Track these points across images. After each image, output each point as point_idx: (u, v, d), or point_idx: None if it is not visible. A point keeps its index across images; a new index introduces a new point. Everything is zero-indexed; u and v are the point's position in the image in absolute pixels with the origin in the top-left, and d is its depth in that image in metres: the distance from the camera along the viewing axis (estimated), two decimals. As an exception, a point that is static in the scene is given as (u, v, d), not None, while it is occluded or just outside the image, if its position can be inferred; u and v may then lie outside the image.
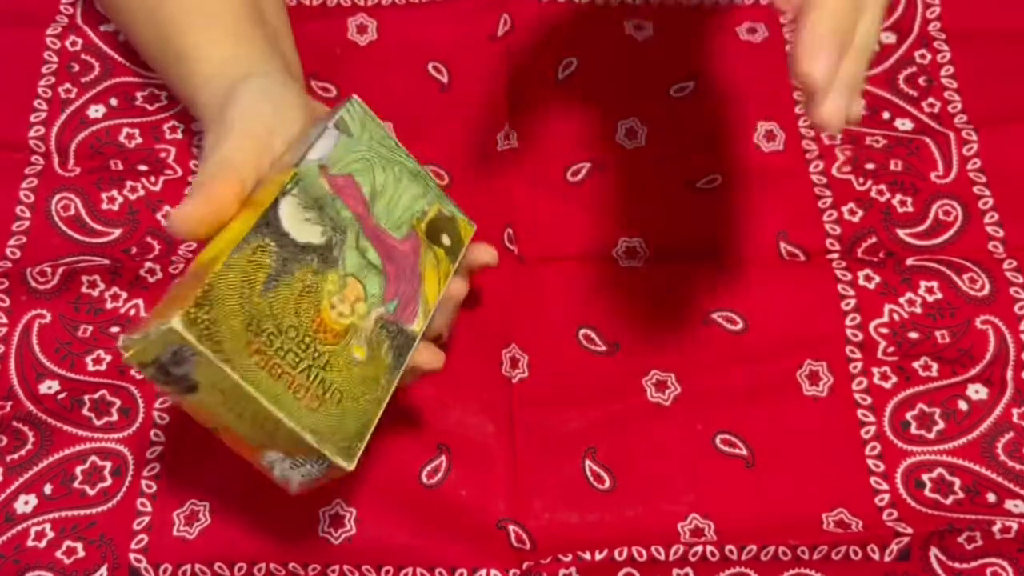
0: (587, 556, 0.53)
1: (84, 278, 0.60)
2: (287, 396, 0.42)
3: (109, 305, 0.60)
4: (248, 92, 0.50)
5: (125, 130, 0.65)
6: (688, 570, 0.53)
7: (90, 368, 0.58)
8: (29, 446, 0.56)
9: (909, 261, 0.61)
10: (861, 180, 0.63)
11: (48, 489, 0.55)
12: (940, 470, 0.55)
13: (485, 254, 0.54)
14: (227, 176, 0.46)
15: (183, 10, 0.56)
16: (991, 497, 0.54)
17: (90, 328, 0.59)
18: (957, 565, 0.53)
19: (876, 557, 0.53)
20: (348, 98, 0.50)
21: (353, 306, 0.46)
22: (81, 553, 0.53)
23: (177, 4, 0.56)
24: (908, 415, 0.57)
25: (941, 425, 0.56)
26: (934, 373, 0.58)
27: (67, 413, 0.57)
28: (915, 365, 0.58)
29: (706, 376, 0.58)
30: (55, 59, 0.67)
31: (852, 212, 0.62)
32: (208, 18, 0.56)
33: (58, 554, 0.53)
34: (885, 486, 0.55)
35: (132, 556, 0.53)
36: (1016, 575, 0.52)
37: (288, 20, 0.64)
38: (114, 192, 0.63)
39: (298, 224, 0.45)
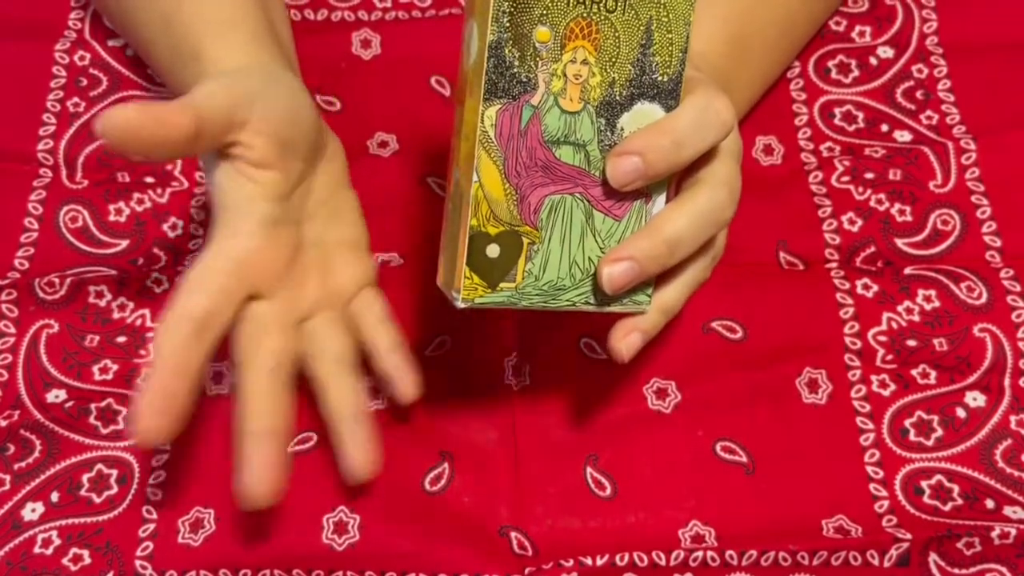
0: (588, 561, 0.53)
1: (91, 288, 0.61)
2: None
3: (116, 315, 0.60)
4: (256, 69, 0.51)
5: (132, 143, 0.66)
6: (689, 575, 0.53)
7: (97, 377, 0.59)
8: (36, 454, 0.56)
9: (907, 270, 0.61)
10: (860, 189, 0.64)
11: (55, 497, 0.55)
12: (939, 477, 0.56)
13: None
14: (184, 107, 0.45)
15: (201, 16, 0.56)
16: (990, 503, 0.55)
17: (97, 338, 0.60)
18: (956, 571, 0.53)
19: (876, 563, 0.53)
20: None
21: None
22: (87, 560, 0.54)
23: (194, 10, 0.57)
24: (907, 422, 0.57)
25: (940, 432, 0.57)
26: (932, 381, 0.58)
27: (74, 422, 0.57)
28: (913, 373, 0.58)
29: (706, 384, 0.58)
30: (64, 73, 0.68)
31: (851, 222, 0.63)
32: (226, 24, 0.56)
33: (65, 561, 0.54)
34: (884, 492, 0.55)
35: (138, 563, 0.54)
36: (1015, 580, 0.53)
37: (292, 34, 0.65)
38: (121, 204, 0.64)
39: None
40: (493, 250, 0.46)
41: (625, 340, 0.48)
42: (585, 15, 0.45)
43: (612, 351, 0.48)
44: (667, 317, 0.49)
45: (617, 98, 0.47)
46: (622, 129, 0.47)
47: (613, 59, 0.46)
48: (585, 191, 0.47)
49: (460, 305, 0.47)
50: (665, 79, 0.47)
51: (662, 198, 0.48)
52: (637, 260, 0.45)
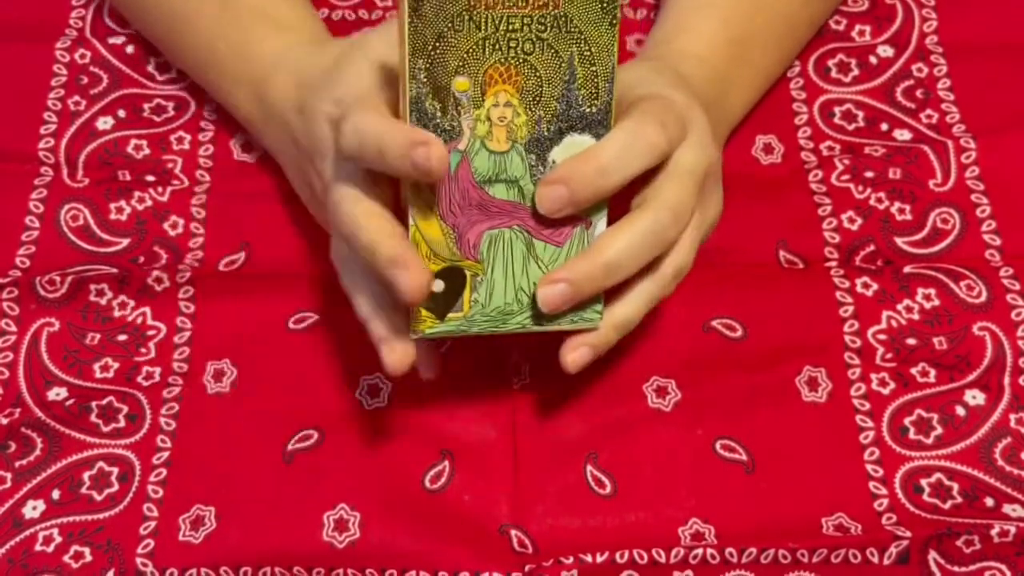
0: (588, 559, 0.53)
1: (92, 287, 0.61)
2: None
3: (116, 313, 0.60)
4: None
5: (133, 141, 0.66)
6: (688, 572, 0.53)
7: (97, 375, 0.59)
8: (37, 452, 0.56)
9: (907, 269, 0.61)
10: (860, 188, 0.64)
11: (56, 495, 0.56)
12: (938, 475, 0.56)
13: None
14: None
15: None
16: (989, 501, 0.55)
17: (98, 336, 0.60)
18: (956, 569, 0.53)
19: (875, 560, 0.53)
20: None
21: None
22: (88, 558, 0.54)
23: None
24: (906, 420, 0.57)
25: (939, 430, 0.57)
26: (932, 379, 0.58)
27: (75, 419, 0.57)
28: (913, 371, 0.58)
29: (706, 382, 0.58)
30: (64, 72, 0.68)
31: (851, 220, 0.63)
32: None
33: (66, 559, 0.54)
34: (884, 491, 0.55)
35: (139, 560, 0.54)
36: (1014, 578, 0.53)
37: None
38: (122, 202, 0.64)
39: None
40: (437, 285, 0.49)
41: (573, 354, 0.50)
42: (503, 61, 0.47)
43: (561, 363, 0.50)
44: (621, 332, 0.51)
45: (545, 134, 0.48)
46: (553, 162, 0.48)
47: (537, 98, 0.47)
48: (523, 223, 0.49)
49: (412, 336, 0.49)
50: (594, 110, 0.48)
51: (603, 221, 0.49)
52: (572, 282, 0.48)
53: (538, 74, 0.47)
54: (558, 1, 0.46)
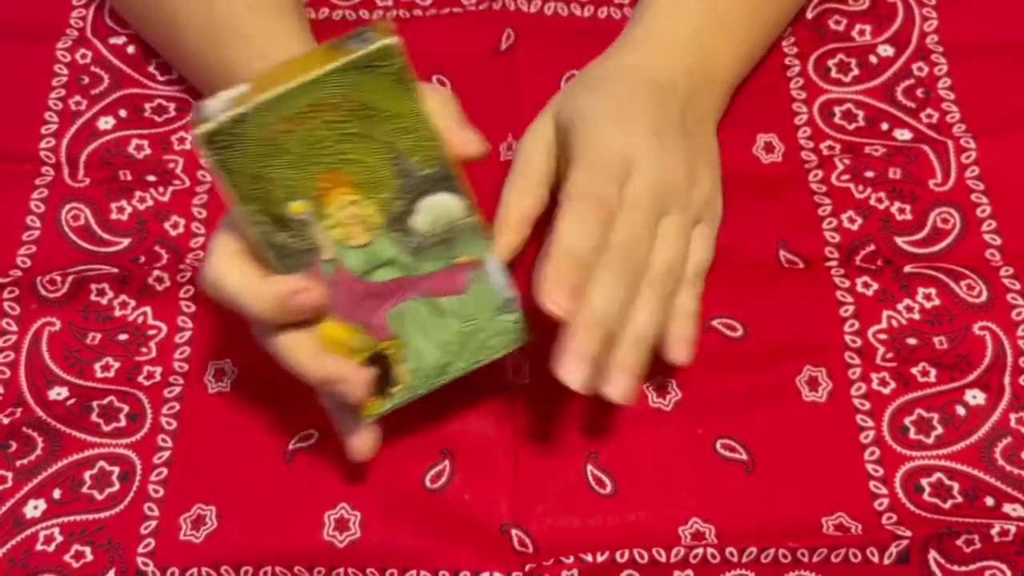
0: (589, 558, 0.53)
1: (93, 286, 0.61)
2: None
3: (117, 313, 0.60)
4: None
5: (134, 141, 0.66)
6: (689, 572, 0.53)
7: (98, 375, 0.59)
8: (38, 451, 0.57)
9: (907, 268, 0.61)
10: (860, 188, 0.64)
11: (57, 494, 0.56)
12: (939, 475, 0.56)
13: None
14: None
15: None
16: (989, 501, 0.55)
17: (99, 336, 0.60)
18: (956, 568, 0.53)
19: (875, 560, 0.53)
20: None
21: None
22: (89, 557, 0.54)
23: None
24: (907, 420, 0.57)
25: (940, 430, 0.57)
26: (932, 379, 0.58)
27: (76, 419, 0.57)
28: (913, 371, 0.58)
29: (706, 382, 0.58)
30: (65, 72, 0.69)
31: (851, 220, 0.63)
32: (273, 7, 0.60)
33: (66, 558, 0.54)
34: (884, 490, 0.55)
35: (139, 560, 0.54)
36: (1014, 578, 0.53)
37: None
38: (123, 202, 0.64)
39: None
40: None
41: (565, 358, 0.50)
42: (326, 168, 0.46)
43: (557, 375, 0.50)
44: (601, 326, 0.50)
45: (399, 209, 0.48)
46: (418, 228, 0.49)
47: (375, 184, 0.47)
48: (416, 292, 0.50)
49: (367, 421, 0.52)
50: (434, 169, 0.48)
51: (493, 258, 0.50)
52: (559, 282, 0.49)
53: (365, 164, 0.47)
54: (350, 96, 0.45)
